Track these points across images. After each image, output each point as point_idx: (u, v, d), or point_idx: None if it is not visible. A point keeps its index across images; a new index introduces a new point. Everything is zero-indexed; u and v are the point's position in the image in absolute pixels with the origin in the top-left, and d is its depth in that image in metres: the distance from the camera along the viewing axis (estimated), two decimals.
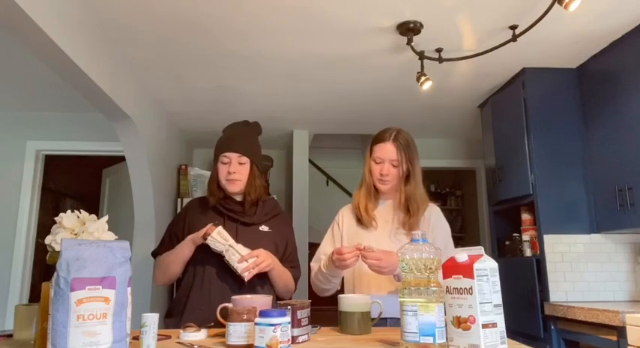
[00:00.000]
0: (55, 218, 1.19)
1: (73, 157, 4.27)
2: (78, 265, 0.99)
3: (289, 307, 1.26)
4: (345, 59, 2.92)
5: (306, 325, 1.31)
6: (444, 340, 1.08)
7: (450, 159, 4.83)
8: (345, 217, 1.85)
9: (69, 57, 2.16)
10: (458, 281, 1.09)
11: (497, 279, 1.10)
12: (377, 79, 3.23)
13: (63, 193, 5.51)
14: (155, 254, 1.87)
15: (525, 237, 3.05)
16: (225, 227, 1.71)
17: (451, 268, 1.12)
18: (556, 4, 2.07)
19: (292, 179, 4.46)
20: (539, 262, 2.86)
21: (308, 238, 4.25)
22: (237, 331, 1.20)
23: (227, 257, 1.64)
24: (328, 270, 1.68)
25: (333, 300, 1.62)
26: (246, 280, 1.63)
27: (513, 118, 3.14)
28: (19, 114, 3.99)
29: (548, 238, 2.84)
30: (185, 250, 1.72)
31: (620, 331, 2.16)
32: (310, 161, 5.11)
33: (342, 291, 1.75)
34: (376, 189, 1.79)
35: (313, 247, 1.90)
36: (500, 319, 1.07)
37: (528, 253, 3.01)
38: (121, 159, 3.66)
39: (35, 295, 3.27)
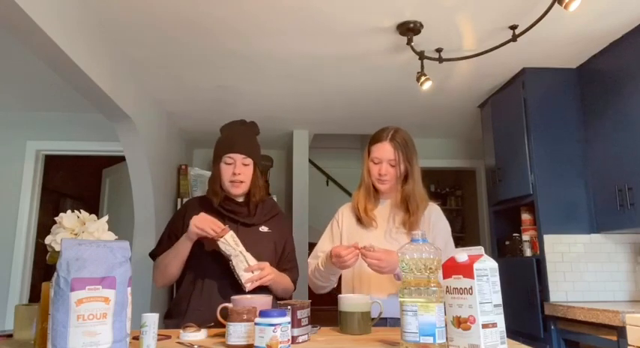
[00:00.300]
0: (55, 218, 1.19)
1: (73, 157, 4.28)
2: (78, 265, 0.99)
3: (289, 307, 1.26)
4: (345, 59, 2.92)
5: (306, 325, 1.31)
6: (444, 340, 1.08)
7: (450, 159, 4.83)
8: (344, 215, 1.85)
9: (69, 57, 2.16)
10: (458, 281, 1.09)
11: (497, 279, 1.10)
12: (377, 79, 3.23)
13: (63, 193, 5.51)
14: (154, 255, 1.83)
15: (525, 237, 3.05)
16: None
17: (451, 268, 1.12)
18: (556, 4, 2.07)
19: (292, 179, 4.46)
20: (539, 262, 2.86)
21: (308, 238, 4.25)
22: (237, 331, 1.20)
23: (234, 262, 1.60)
24: (327, 269, 1.68)
25: (333, 300, 1.62)
26: (246, 291, 1.59)
27: (513, 118, 3.14)
28: (19, 114, 3.99)
29: (548, 238, 2.84)
30: (182, 248, 1.68)
31: (620, 331, 2.16)
32: (310, 161, 5.11)
33: (340, 291, 1.75)
34: (375, 189, 1.79)
35: (313, 247, 1.89)
36: (500, 319, 1.07)
37: (528, 253, 3.01)
38: (121, 159, 3.66)
39: (35, 295, 3.27)
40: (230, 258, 1.61)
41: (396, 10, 2.34)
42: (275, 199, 4.36)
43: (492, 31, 2.53)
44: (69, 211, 1.20)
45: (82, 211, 1.22)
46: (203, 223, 1.60)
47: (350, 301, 1.46)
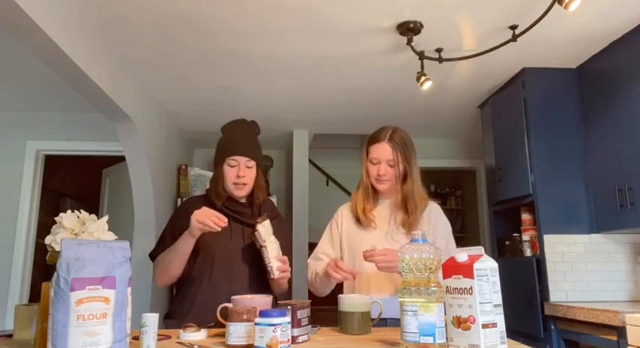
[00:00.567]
0: (55, 218, 1.19)
1: (73, 157, 4.28)
2: (78, 265, 0.99)
3: (289, 307, 1.26)
4: (345, 59, 2.92)
5: (306, 325, 1.31)
6: (444, 340, 1.08)
7: (450, 159, 4.84)
8: (344, 216, 1.84)
9: (69, 57, 2.16)
10: (458, 281, 1.09)
11: (497, 279, 1.10)
12: (377, 79, 3.23)
13: (63, 193, 5.51)
14: (154, 256, 1.80)
15: (525, 237, 3.05)
16: (231, 228, 1.70)
17: (451, 268, 1.12)
18: (556, 4, 2.07)
19: (292, 179, 4.46)
20: (539, 262, 2.86)
21: (308, 238, 4.26)
22: (237, 331, 1.20)
23: (269, 249, 1.62)
24: (322, 276, 1.68)
25: (333, 300, 1.62)
26: (275, 278, 1.62)
27: (513, 118, 3.14)
28: (19, 114, 3.99)
29: (548, 238, 2.84)
30: (185, 245, 1.65)
31: (620, 331, 2.16)
32: (310, 161, 5.11)
33: (341, 291, 1.75)
34: (374, 189, 1.78)
35: (313, 247, 1.89)
36: (500, 319, 1.07)
37: (528, 253, 3.01)
38: (121, 159, 3.66)
39: (35, 295, 3.27)
40: (265, 244, 1.62)
41: (396, 10, 2.34)
42: (275, 199, 4.36)
43: (492, 31, 2.53)
44: (69, 211, 1.20)
45: (82, 211, 1.22)
46: (203, 217, 1.58)
47: (350, 301, 1.46)
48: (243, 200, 1.83)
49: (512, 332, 2.75)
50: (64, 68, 2.28)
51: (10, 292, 3.73)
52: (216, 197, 1.77)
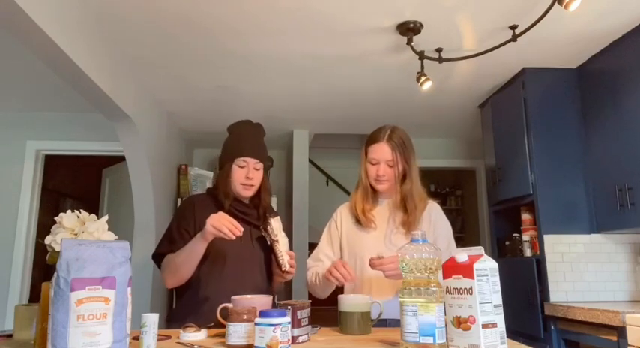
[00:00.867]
0: (55, 218, 1.19)
1: (73, 157, 4.27)
2: (78, 265, 0.99)
3: (289, 307, 1.26)
4: (345, 59, 2.92)
5: (306, 325, 1.31)
6: (444, 340, 1.08)
7: (450, 159, 4.84)
8: (343, 216, 1.84)
9: (69, 57, 2.16)
10: (458, 281, 1.09)
11: (497, 279, 1.10)
12: (377, 79, 3.23)
13: (63, 193, 5.51)
14: (159, 255, 1.74)
15: (525, 237, 3.05)
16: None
17: (451, 268, 1.12)
18: (556, 4, 2.07)
19: (292, 179, 4.46)
20: (539, 262, 2.86)
21: (308, 238, 4.25)
22: (237, 331, 1.20)
23: (282, 244, 1.65)
24: (322, 281, 1.68)
25: (333, 300, 1.62)
26: (287, 269, 1.65)
27: (513, 118, 3.14)
28: (19, 114, 3.99)
29: (548, 238, 2.84)
30: (198, 248, 1.61)
31: (620, 331, 2.16)
32: (310, 161, 5.11)
33: (342, 291, 1.75)
34: (373, 189, 1.78)
35: (313, 248, 1.89)
36: (500, 319, 1.07)
37: (528, 253, 3.01)
38: (121, 159, 3.66)
39: (35, 295, 3.27)
40: (276, 238, 1.64)
41: (396, 10, 2.34)
42: (275, 199, 4.37)
43: (492, 31, 2.53)
44: (69, 211, 1.20)
45: (82, 211, 1.22)
46: (219, 223, 1.54)
47: (350, 301, 1.46)
48: (247, 201, 1.83)
49: (512, 332, 2.75)
50: (64, 68, 2.28)
51: (10, 292, 3.73)
52: (225, 197, 1.76)
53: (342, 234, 1.81)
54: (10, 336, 1.29)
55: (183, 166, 4.26)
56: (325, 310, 2.19)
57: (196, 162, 4.94)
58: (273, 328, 1.09)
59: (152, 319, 1.15)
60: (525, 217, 3.07)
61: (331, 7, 2.32)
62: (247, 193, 1.78)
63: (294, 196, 4.39)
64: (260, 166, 1.79)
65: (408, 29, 2.46)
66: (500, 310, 1.08)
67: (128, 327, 1.06)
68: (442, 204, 1.89)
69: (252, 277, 1.73)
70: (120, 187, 4.23)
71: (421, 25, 2.46)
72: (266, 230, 1.66)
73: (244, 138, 1.81)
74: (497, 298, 1.08)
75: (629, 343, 2.07)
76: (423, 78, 2.69)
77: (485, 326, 1.04)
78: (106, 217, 1.22)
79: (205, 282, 1.69)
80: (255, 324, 1.12)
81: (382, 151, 1.71)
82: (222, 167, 1.80)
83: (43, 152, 4.03)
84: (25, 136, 3.96)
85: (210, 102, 3.68)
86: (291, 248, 1.89)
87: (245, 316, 1.21)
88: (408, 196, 1.72)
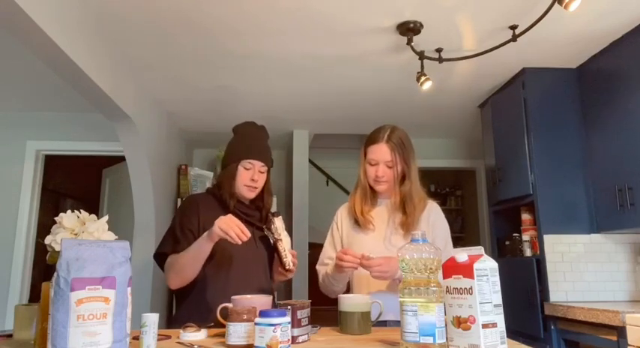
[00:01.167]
0: (55, 218, 1.19)
1: (73, 157, 4.27)
2: (78, 265, 0.99)
3: (289, 307, 1.26)
4: (345, 59, 2.92)
5: (306, 325, 1.31)
6: (444, 340, 1.08)
7: (450, 159, 4.84)
8: (343, 217, 1.84)
9: (69, 57, 2.16)
10: (458, 281, 1.09)
11: (497, 279, 1.10)
12: (377, 79, 3.23)
13: (63, 193, 5.51)
14: (162, 255, 1.72)
15: (525, 237, 3.05)
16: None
17: (451, 268, 1.12)
18: (556, 4, 2.07)
19: (292, 179, 4.46)
20: (539, 262, 2.86)
21: (308, 238, 4.26)
22: (237, 331, 1.20)
23: (285, 243, 1.67)
24: (333, 273, 1.68)
25: (333, 300, 1.62)
26: (291, 267, 1.67)
27: (513, 118, 3.14)
28: (19, 114, 3.99)
29: (548, 238, 2.84)
30: (204, 249, 1.59)
31: (620, 331, 2.16)
32: (310, 161, 5.11)
33: (346, 291, 1.76)
34: (372, 190, 1.77)
35: (313, 247, 1.90)
36: (500, 319, 1.07)
37: (528, 253, 3.01)
38: (121, 159, 3.66)
39: (35, 295, 3.27)
40: (280, 237, 1.66)
41: (396, 10, 2.34)
42: (275, 199, 4.36)
43: (492, 31, 2.53)
44: (69, 211, 1.20)
45: (82, 211, 1.22)
46: (227, 226, 1.51)
47: (350, 301, 1.46)
48: (247, 202, 1.83)
49: (512, 332, 2.75)
50: (64, 68, 2.28)
51: (10, 292, 3.73)
52: (230, 197, 1.76)
53: (342, 235, 1.81)
54: (10, 336, 1.29)
55: (183, 166, 4.26)
56: (325, 310, 2.20)
57: (196, 162, 4.94)
58: (273, 328, 1.09)
59: (152, 319, 1.15)
60: (525, 217, 3.07)
61: (331, 7, 2.32)
62: (250, 195, 1.78)
63: (294, 196, 4.39)
64: (265, 169, 1.80)
65: (408, 29, 2.46)
66: (500, 310, 1.08)
67: (128, 327, 1.06)
68: (442, 204, 1.89)
69: (257, 278, 1.74)
70: (120, 187, 4.23)
71: (421, 25, 2.46)
72: (269, 229, 1.67)
73: (251, 140, 1.81)
74: (497, 298, 1.08)
75: (629, 343, 2.07)
76: (423, 78, 2.69)
77: (485, 326, 1.04)
78: (106, 217, 1.22)
79: (212, 284, 1.68)
80: (255, 324, 1.12)
81: (381, 151, 1.70)
82: (226, 167, 1.80)
83: (43, 152, 4.03)
84: (25, 136, 3.96)
85: (210, 102, 3.68)
86: (291, 248, 1.91)
87: (245, 316, 1.21)
88: (407, 197, 1.71)
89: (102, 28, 2.50)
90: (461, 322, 1.07)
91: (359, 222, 1.75)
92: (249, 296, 1.42)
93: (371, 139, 1.75)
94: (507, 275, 3.05)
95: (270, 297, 1.42)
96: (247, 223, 1.73)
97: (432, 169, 4.76)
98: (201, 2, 2.28)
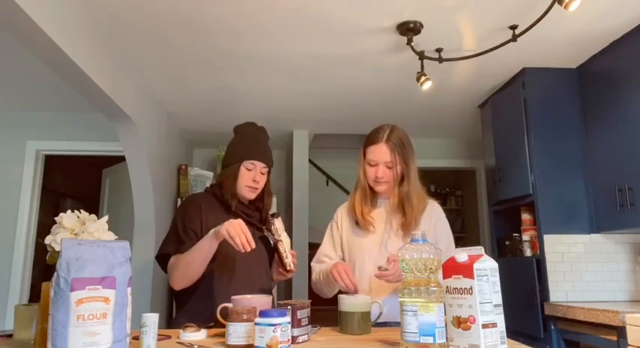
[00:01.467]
0: (55, 218, 1.19)
1: (73, 157, 4.27)
2: (78, 265, 0.99)
3: (289, 307, 1.26)
4: (345, 59, 2.92)
5: (306, 325, 1.31)
6: (444, 340, 1.08)
7: (450, 159, 4.84)
8: (343, 217, 1.83)
9: (69, 57, 2.16)
10: (458, 281, 1.09)
11: (497, 279, 1.10)
12: (377, 79, 3.23)
13: (63, 193, 5.51)
14: (165, 256, 1.72)
15: (525, 237, 3.05)
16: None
17: (451, 268, 1.12)
18: (556, 4, 2.07)
19: (292, 179, 4.46)
20: (539, 262, 2.86)
21: (308, 238, 4.26)
22: (237, 331, 1.20)
23: (285, 243, 1.68)
24: (326, 278, 1.68)
25: (333, 300, 1.62)
26: (291, 268, 1.69)
27: (513, 118, 3.14)
28: (19, 114, 3.99)
29: (548, 238, 2.84)
30: (209, 249, 1.58)
31: (620, 331, 2.16)
32: (310, 161, 5.11)
33: (342, 291, 1.75)
34: (372, 190, 1.76)
35: (313, 247, 1.90)
36: (500, 319, 1.07)
37: (528, 253, 3.01)
38: (121, 159, 3.66)
39: (35, 295, 3.27)
40: (280, 239, 1.66)
41: (396, 10, 2.34)
42: (275, 199, 4.36)
43: (492, 31, 2.53)
44: (69, 211, 1.20)
45: (82, 211, 1.22)
46: (234, 231, 1.50)
47: (350, 301, 1.46)
48: (246, 202, 1.83)
49: (512, 332, 2.75)
50: (64, 68, 2.28)
51: (10, 292, 3.73)
52: (232, 197, 1.76)
53: (342, 234, 1.81)
54: (10, 336, 1.29)
55: (183, 166, 4.26)
56: (325, 310, 2.20)
57: (196, 162, 4.94)
58: (273, 328, 1.09)
59: (152, 319, 1.15)
60: (525, 217, 3.07)
61: (331, 7, 2.32)
62: (251, 196, 1.79)
63: (294, 196, 4.39)
64: (266, 170, 1.81)
65: (408, 29, 2.46)
66: (500, 310, 1.08)
67: (128, 327, 1.06)
68: (442, 204, 1.88)
69: (259, 279, 1.74)
70: (120, 187, 4.23)
71: (421, 25, 2.46)
72: (270, 230, 1.66)
73: (253, 141, 1.82)
74: (497, 298, 1.08)
75: (629, 343, 2.07)
76: (423, 78, 2.69)
77: (485, 326, 1.04)
78: (106, 217, 1.22)
79: (215, 286, 1.67)
80: (255, 324, 1.12)
81: (381, 152, 1.69)
82: (227, 167, 1.79)
83: (43, 152, 4.03)
84: (25, 136, 3.96)
85: (210, 102, 3.68)
86: (291, 248, 1.91)
87: (245, 316, 1.21)
88: (405, 198, 1.70)
89: (102, 28, 2.50)
90: (461, 322, 1.07)
91: (359, 223, 1.74)
92: (249, 296, 1.42)
93: (370, 140, 1.73)
94: (507, 275, 3.05)
95: (270, 297, 1.42)
96: (248, 223, 1.73)
97: (432, 169, 4.76)
98: (201, 2, 2.28)
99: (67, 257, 0.99)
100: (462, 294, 1.08)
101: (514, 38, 2.43)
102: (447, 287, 1.12)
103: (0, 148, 3.93)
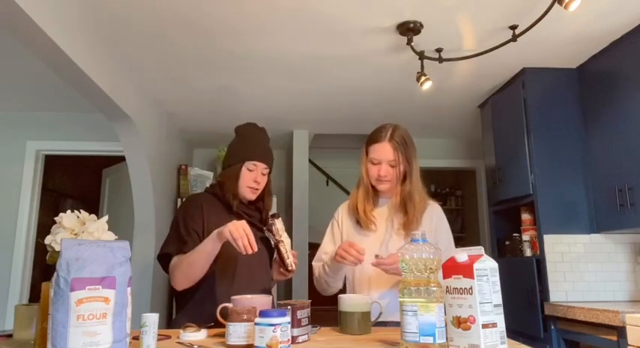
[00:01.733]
0: (55, 218, 1.19)
1: (73, 157, 4.28)
2: (78, 265, 0.99)
3: (289, 307, 1.26)
4: (345, 59, 2.92)
5: (306, 325, 1.31)
6: (444, 340, 1.08)
7: (450, 159, 4.84)
8: (343, 216, 1.83)
9: (69, 57, 2.16)
10: (458, 281, 1.09)
11: (497, 279, 1.10)
12: (377, 79, 3.23)
13: (63, 193, 5.51)
14: (166, 256, 1.72)
15: (525, 237, 3.05)
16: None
17: (451, 268, 1.12)
18: (556, 4, 2.07)
19: (292, 179, 4.46)
20: (539, 262, 2.86)
21: (308, 238, 4.26)
22: (237, 331, 1.20)
23: (286, 244, 1.68)
24: (331, 264, 1.67)
25: (333, 300, 1.62)
26: (293, 268, 1.69)
27: (513, 118, 3.14)
28: (19, 114, 3.99)
29: (548, 238, 2.84)
30: (212, 249, 1.57)
31: (620, 331, 2.16)
32: (310, 161, 5.11)
33: (343, 291, 1.75)
34: (374, 189, 1.76)
35: (313, 248, 1.90)
36: (500, 319, 1.07)
37: (528, 253, 3.01)
38: (121, 159, 3.66)
39: (35, 295, 3.27)
40: (281, 239, 1.67)
41: (396, 10, 2.34)
42: (275, 199, 4.36)
43: (492, 31, 2.53)
44: (69, 211, 1.20)
45: (82, 211, 1.22)
46: (237, 233, 1.49)
47: (350, 301, 1.46)
48: (247, 203, 1.83)
49: (512, 332, 2.75)
50: (64, 68, 2.28)
51: (10, 292, 3.73)
52: (233, 198, 1.76)
53: (343, 232, 1.81)
54: (10, 336, 1.29)
55: (183, 166, 4.26)
56: (325, 310, 2.20)
57: (196, 162, 4.94)
58: (273, 328, 1.09)
59: (152, 319, 1.15)
60: (525, 217, 3.07)
61: (331, 7, 2.32)
62: (252, 196, 1.79)
63: (294, 196, 4.39)
64: (267, 171, 1.81)
65: (408, 29, 2.46)
66: (501, 310, 1.08)
67: (128, 327, 1.06)
68: (442, 204, 1.88)
69: (261, 280, 1.75)
70: (120, 187, 4.23)
71: (421, 25, 2.46)
72: (270, 231, 1.66)
73: (254, 141, 1.82)
74: (497, 298, 1.08)
75: (629, 343, 2.07)
76: (423, 78, 2.69)
77: (485, 326, 1.04)
78: (106, 217, 1.22)
79: (217, 287, 1.67)
80: (255, 324, 1.12)
81: (384, 150, 1.69)
82: (228, 167, 1.79)
83: (43, 152, 4.03)
84: (25, 136, 3.96)
85: (210, 102, 3.68)
86: (291, 248, 1.91)
87: (245, 316, 1.21)
88: (407, 197, 1.71)
89: (102, 28, 2.50)
90: (461, 322, 1.07)
91: (360, 222, 1.74)
92: (249, 296, 1.42)
93: (373, 138, 1.73)
94: (507, 275, 3.05)
95: (270, 297, 1.42)
96: (249, 223, 1.73)
97: (432, 169, 4.76)
98: (201, 2, 2.28)
99: (67, 257, 0.99)
100: (462, 294, 1.08)
101: (514, 38, 2.43)
102: (447, 287, 1.12)
103: (0, 148, 3.93)
